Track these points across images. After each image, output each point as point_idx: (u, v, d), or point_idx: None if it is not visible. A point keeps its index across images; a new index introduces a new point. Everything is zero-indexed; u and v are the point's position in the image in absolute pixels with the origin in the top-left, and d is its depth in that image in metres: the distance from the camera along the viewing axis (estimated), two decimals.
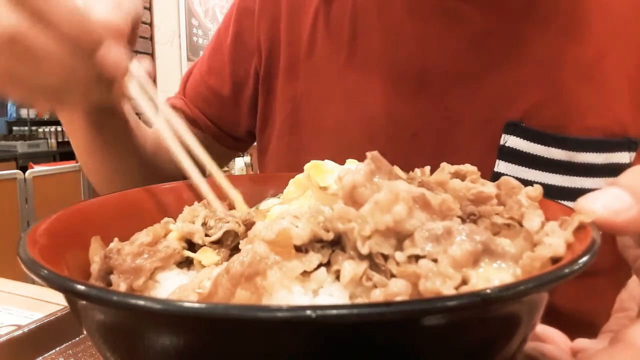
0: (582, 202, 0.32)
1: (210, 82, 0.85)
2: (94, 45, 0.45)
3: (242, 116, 0.85)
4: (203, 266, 0.36)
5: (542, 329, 0.37)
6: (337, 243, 0.32)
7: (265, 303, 0.28)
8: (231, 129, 0.87)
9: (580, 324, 0.34)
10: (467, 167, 0.40)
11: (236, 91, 0.84)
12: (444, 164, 0.41)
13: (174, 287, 0.33)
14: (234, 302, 0.27)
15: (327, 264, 0.31)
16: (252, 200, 0.49)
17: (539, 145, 0.64)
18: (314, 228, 0.31)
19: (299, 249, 0.30)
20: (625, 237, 0.35)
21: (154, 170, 0.78)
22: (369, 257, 0.29)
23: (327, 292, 0.29)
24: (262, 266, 0.28)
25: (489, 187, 0.37)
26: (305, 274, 0.29)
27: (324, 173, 0.39)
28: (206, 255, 0.37)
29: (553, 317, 0.37)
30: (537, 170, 0.65)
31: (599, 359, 0.28)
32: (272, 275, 0.28)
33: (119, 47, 0.46)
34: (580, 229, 0.30)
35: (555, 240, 0.30)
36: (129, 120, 0.70)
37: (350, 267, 0.29)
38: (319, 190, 0.38)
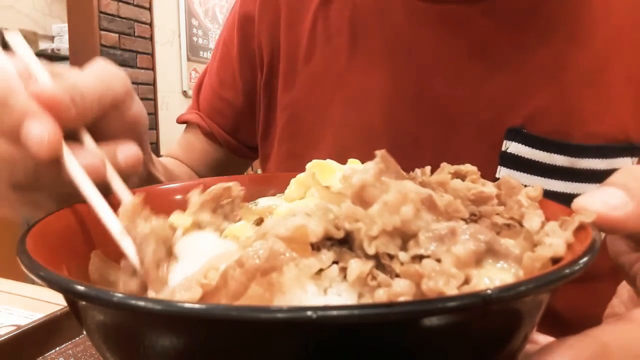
0: (579, 200, 0.32)
1: (223, 94, 0.84)
2: (15, 121, 0.37)
3: (257, 124, 0.84)
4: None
5: (545, 340, 0.37)
6: (345, 242, 0.32)
7: (278, 301, 0.27)
8: (248, 139, 0.86)
9: (583, 328, 0.33)
10: (467, 167, 0.40)
11: (249, 100, 0.83)
12: (444, 164, 0.41)
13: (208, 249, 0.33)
14: (246, 298, 0.27)
15: (336, 262, 0.30)
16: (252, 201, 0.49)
17: (541, 151, 0.64)
18: (326, 225, 0.30)
19: (311, 247, 0.30)
20: (618, 244, 0.35)
21: None
22: (375, 257, 0.29)
23: (336, 291, 0.29)
24: (279, 262, 0.28)
25: (489, 187, 0.37)
26: (318, 271, 0.29)
27: (327, 172, 0.39)
28: (241, 230, 0.37)
29: (555, 323, 0.37)
30: (539, 177, 0.65)
31: (608, 329, 0.28)
32: (289, 271, 0.28)
33: (41, 124, 0.37)
34: (581, 229, 0.30)
35: (555, 240, 0.30)
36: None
37: (356, 265, 0.29)
38: (324, 188, 0.37)
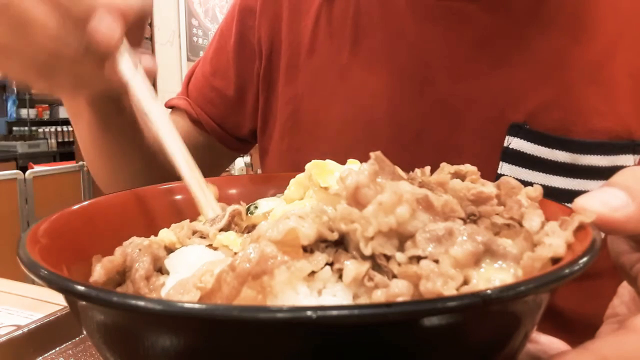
0: (580, 201, 0.32)
1: (214, 83, 0.85)
2: (85, 14, 0.44)
3: (247, 117, 0.85)
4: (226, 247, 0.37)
5: (547, 339, 0.37)
6: (341, 243, 0.32)
7: (271, 303, 0.28)
8: (235, 130, 0.87)
9: (584, 327, 0.33)
10: (467, 167, 0.39)
11: (241, 92, 0.83)
12: (443, 164, 0.41)
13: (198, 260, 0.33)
14: (239, 301, 0.27)
15: (331, 264, 0.31)
16: (252, 201, 0.49)
17: (543, 147, 0.64)
18: (319, 228, 0.30)
19: (304, 249, 0.30)
20: (618, 244, 0.35)
21: (160, 173, 0.78)
22: (372, 258, 0.29)
23: (331, 292, 0.29)
24: (270, 265, 0.28)
25: (489, 187, 0.37)
26: (311, 273, 0.29)
27: (326, 173, 0.39)
28: (230, 239, 0.37)
29: (557, 321, 0.37)
30: (541, 173, 0.65)
31: (607, 342, 0.28)
32: (280, 274, 0.28)
33: (111, 20, 0.45)
34: (581, 229, 0.30)
35: (555, 240, 0.29)
36: (137, 118, 0.69)
37: (352, 267, 0.29)
38: (320, 190, 0.38)
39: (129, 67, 0.47)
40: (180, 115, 0.87)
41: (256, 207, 0.45)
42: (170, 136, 0.47)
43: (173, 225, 0.42)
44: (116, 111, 0.65)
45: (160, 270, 0.37)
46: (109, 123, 0.67)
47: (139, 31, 0.51)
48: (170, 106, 0.90)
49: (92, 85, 0.54)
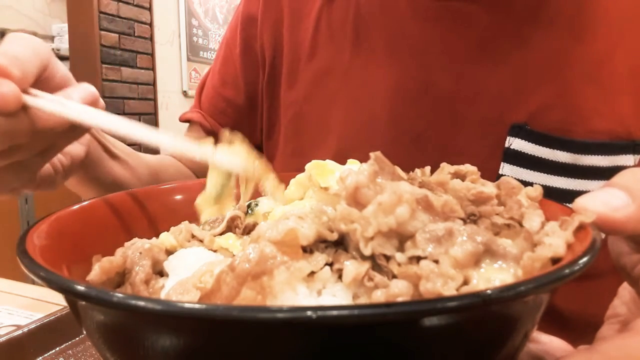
0: (580, 201, 0.32)
1: (225, 93, 0.86)
2: None
3: (259, 123, 0.86)
4: (226, 250, 0.37)
5: (548, 339, 0.37)
6: (340, 243, 0.32)
7: (270, 303, 0.28)
8: (248, 137, 0.87)
9: (584, 327, 0.33)
10: (467, 167, 0.40)
11: (251, 99, 0.85)
12: (444, 164, 0.41)
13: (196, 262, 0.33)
14: (239, 301, 0.27)
15: (330, 264, 0.31)
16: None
17: (544, 147, 0.64)
18: (319, 228, 0.30)
19: (303, 249, 0.30)
20: (619, 244, 0.35)
21: None
22: (371, 258, 0.29)
23: (331, 292, 0.29)
24: (269, 266, 0.28)
25: (489, 188, 0.37)
26: (310, 273, 0.29)
27: (326, 173, 0.39)
28: (228, 241, 0.37)
29: (557, 321, 0.37)
30: (542, 173, 0.65)
31: (613, 344, 0.28)
32: (280, 275, 0.28)
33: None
34: (581, 229, 0.30)
35: (555, 240, 0.29)
36: (120, 158, 0.69)
37: (352, 267, 0.29)
38: (320, 190, 0.38)
39: (54, 108, 0.43)
40: (194, 129, 0.89)
41: (257, 204, 0.45)
42: (129, 127, 0.44)
43: (172, 228, 0.42)
44: (97, 166, 0.64)
45: (160, 273, 0.37)
46: (100, 179, 0.66)
47: (54, 74, 0.48)
48: (185, 120, 0.91)
49: (61, 152, 0.50)
